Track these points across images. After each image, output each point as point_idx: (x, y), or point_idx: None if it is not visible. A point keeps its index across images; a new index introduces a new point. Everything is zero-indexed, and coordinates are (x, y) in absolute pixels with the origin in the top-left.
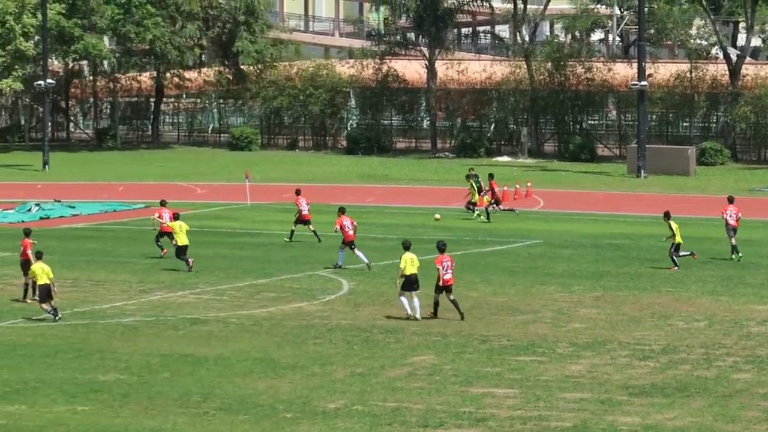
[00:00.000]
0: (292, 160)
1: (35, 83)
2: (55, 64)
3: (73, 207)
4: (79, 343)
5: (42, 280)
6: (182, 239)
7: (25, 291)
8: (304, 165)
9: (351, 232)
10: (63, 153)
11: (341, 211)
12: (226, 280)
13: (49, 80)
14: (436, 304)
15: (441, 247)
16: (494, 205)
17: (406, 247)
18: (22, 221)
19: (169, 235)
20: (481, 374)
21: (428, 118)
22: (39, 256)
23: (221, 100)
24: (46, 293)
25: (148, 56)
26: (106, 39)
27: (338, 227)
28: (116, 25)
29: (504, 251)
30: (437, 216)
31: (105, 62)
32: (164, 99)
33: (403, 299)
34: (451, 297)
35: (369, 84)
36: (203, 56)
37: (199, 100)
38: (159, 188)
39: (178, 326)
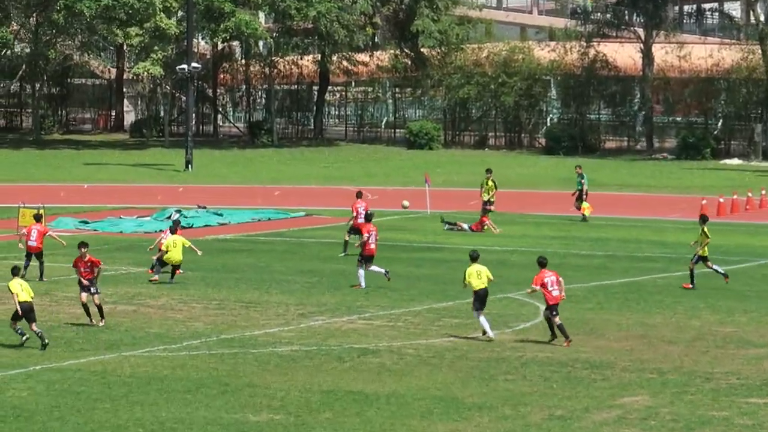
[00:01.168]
0: (480, 161)
1: (177, 68)
2: (201, 45)
3: (221, 214)
4: (226, 376)
5: (22, 297)
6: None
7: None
8: (495, 166)
9: (373, 246)
10: (209, 150)
11: (368, 218)
12: (401, 303)
13: (194, 64)
14: (550, 323)
15: (542, 262)
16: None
17: (474, 257)
18: (160, 230)
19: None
20: (705, 419)
21: (643, 113)
22: (15, 272)
23: (397, 89)
24: (28, 311)
25: (311, 36)
26: (261, 16)
27: (366, 235)
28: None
29: (733, 272)
30: (405, 203)
31: (260, 43)
32: (329, 87)
33: (482, 318)
34: (558, 321)
35: (573, 71)
36: (376, 37)
37: (370, 89)
38: (322, 193)
39: (344, 357)
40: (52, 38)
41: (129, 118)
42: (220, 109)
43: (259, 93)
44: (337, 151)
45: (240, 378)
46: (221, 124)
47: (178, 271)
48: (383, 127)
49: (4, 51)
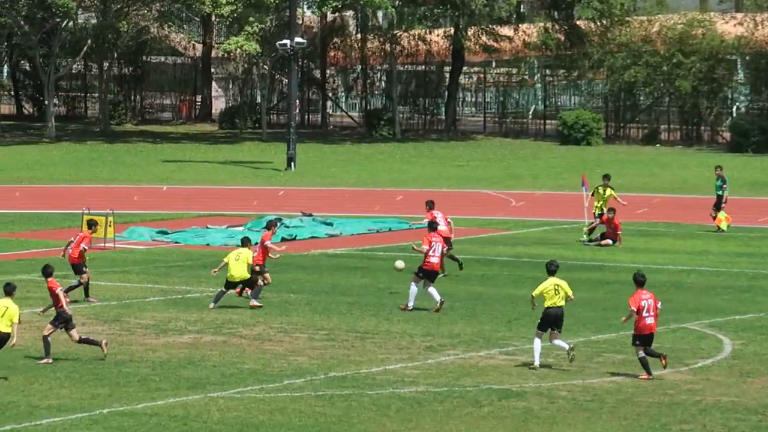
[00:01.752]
0: (649, 160)
1: (278, 43)
2: (307, 15)
3: (330, 224)
4: (336, 423)
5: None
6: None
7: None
8: (668, 167)
9: (436, 260)
10: (316, 145)
11: (432, 227)
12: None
13: (297, 39)
14: (644, 363)
15: (640, 280)
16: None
17: (552, 270)
18: (256, 243)
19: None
20: None
21: None
22: (8, 291)
23: (547, 71)
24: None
25: (442, 6)
26: None
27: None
28: None
29: None
30: (399, 264)
31: (379, 14)
32: (465, 68)
33: (537, 342)
34: (641, 353)
35: (765, 49)
36: (522, 6)
37: (515, 71)
38: (455, 198)
39: (481, 401)
40: (123, 7)
41: (218, 105)
42: (330, 95)
43: (378, 75)
44: (474, 146)
45: (353, 426)
46: (331, 112)
47: (242, 290)
48: (530, 117)
49: (66, 22)
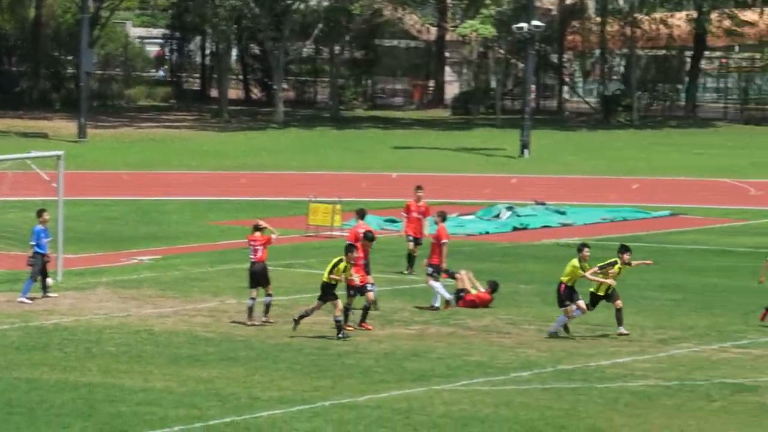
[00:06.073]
0: None
1: (514, 27)
2: None
3: (563, 213)
4: (563, 417)
5: None
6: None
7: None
8: None
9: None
10: (551, 131)
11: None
12: None
13: (535, 22)
14: None
15: None
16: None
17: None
18: (487, 232)
19: None
20: None
21: None
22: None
23: None
24: None
25: None
26: None
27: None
28: None
29: None
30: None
31: None
32: (706, 53)
33: None
34: None
35: None
36: None
37: (758, 56)
38: (694, 187)
39: (713, 395)
40: None
41: (451, 90)
42: (567, 80)
43: (617, 59)
44: (714, 134)
45: (581, 420)
46: (568, 98)
47: None
48: None
49: (297, 4)
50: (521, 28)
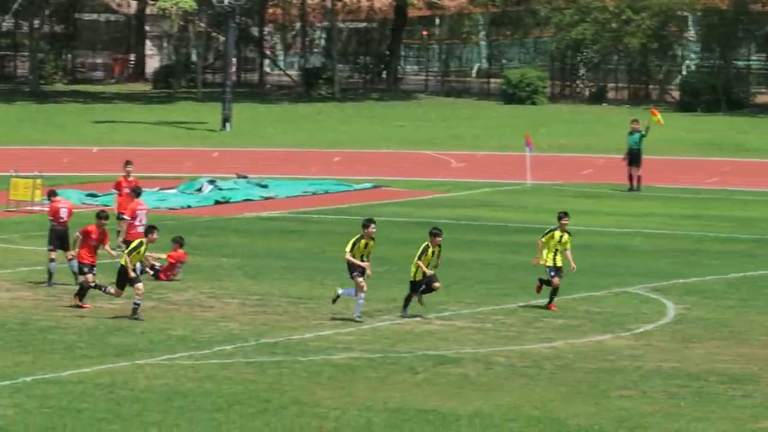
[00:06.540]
0: (596, 119)
1: (215, 0)
2: None
3: (265, 186)
4: (266, 391)
5: None
6: None
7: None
8: (615, 126)
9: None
10: (252, 104)
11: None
12: (489, 299)
13: None
14: None
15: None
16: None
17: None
18: (189, 206)
19: None
20: None
21: None
22: None
23: (492, 29)
24: None
25: None
26: None
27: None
28: None
29: None
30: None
31: None
32: (407, 26)
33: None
34: None
35: (717, 5)
36: None
37: (459, 28)
38: (396, 159)
39: (416, 367)
40: None
41: (152, 63)
42: (268, 53)
43: (318, 32)
44: (416, 106)
45: (284, 393)
46: (269, 71)
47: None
48: (474, 75)
49: None
50: (221, 1)
